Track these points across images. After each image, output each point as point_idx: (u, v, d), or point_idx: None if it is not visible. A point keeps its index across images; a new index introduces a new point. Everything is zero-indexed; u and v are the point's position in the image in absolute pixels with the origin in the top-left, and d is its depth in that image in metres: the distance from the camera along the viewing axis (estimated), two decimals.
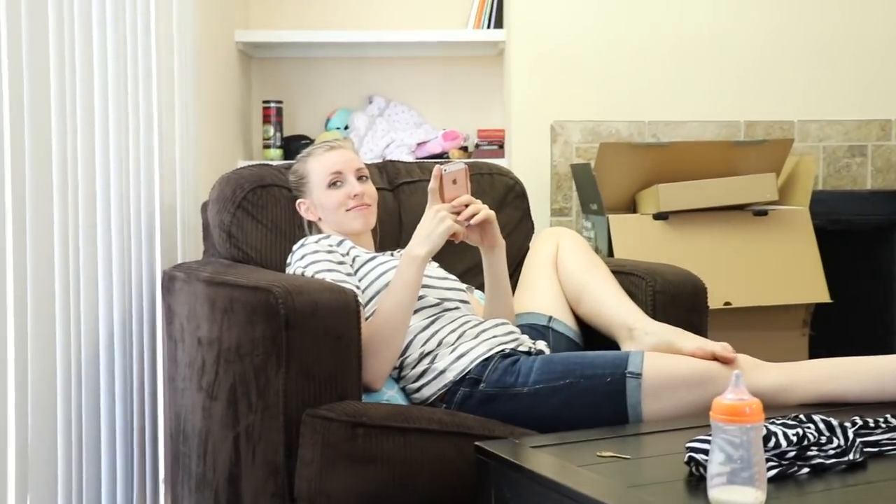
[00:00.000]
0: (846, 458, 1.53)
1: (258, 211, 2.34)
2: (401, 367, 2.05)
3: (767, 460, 1.46)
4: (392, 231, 2.50)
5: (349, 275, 2.09)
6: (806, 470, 1.49)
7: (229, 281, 2.04)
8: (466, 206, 2.03)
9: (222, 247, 2.36)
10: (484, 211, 2.05)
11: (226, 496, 2.04)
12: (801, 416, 1.61)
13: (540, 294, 2.25)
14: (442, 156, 3.56)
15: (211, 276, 2.14)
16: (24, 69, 1.74)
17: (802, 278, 3.06)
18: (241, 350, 1.94)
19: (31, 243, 1.77)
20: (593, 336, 2.24)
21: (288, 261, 2.18)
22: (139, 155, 2.33)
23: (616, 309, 2.14)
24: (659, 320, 2.14)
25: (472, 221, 2.03)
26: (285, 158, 3.55)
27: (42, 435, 1.81)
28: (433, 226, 1.99)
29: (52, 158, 1.85)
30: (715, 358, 1.92)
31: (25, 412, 1.75)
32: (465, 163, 2.10)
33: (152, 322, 2.43)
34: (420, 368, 2.03)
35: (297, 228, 2.35)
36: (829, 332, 3.23)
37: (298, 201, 2.31)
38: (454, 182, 2.04)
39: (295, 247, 2.17)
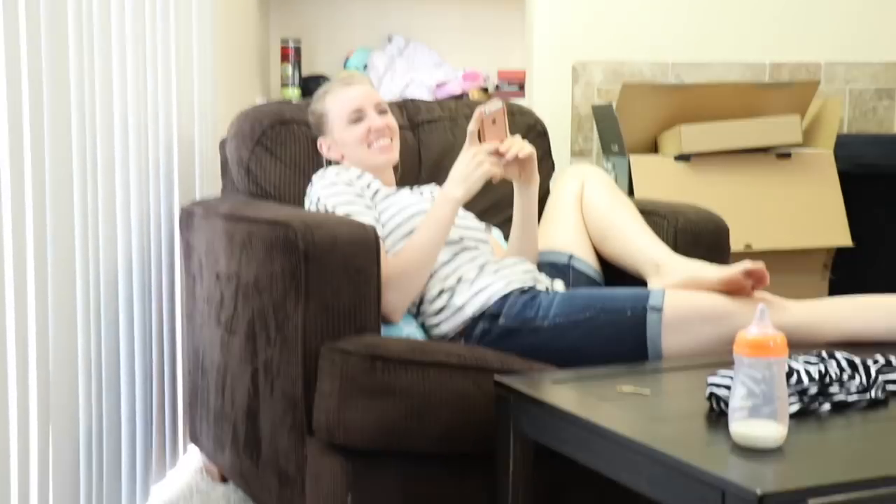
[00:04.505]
0: (868, 396, 1.51)
1: (277, 147, 2.32)
2: (420, 303, 2.05)
3: (789, 396, 1.45)
4: (412, 169, 2.48)
5: (369, 208, 2.08)
6: (827, 406, 1.48)
7: (248, 216, 2.03)
8: (509, 146, 2.01)
9: (241, 183, 2.35)
10: (529, 146, 2.03)
11: (244, 429, 2.05)
12: (824, 353, 1.60)
13: (562, 232, 2.23)
14: (461, 97, 3.52)
15: (229, 211, 2.13)
16: (41, 4, 1.72)
17: (824, 222, 3.03)
18: (260, 285, 1.94)
19: (50, 180, 1.76)
20: (614, 276, 2.22)
21: (306, 191, 2.17)
22: (157, 92, 2.31)
23: (644, 246, 2.12)
24: None
25: (520, 155, 2.02)
26: (304, 98, 3.52)
27: (63, 369, 1.82)
28: (471, 168, 1.98)
29: (70, 95, 1.83)
30: (747, 273, 1.89)
31: (46, 347, 1.75)
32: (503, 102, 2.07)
33: (171, 258, 2.43)
34: (439, 304, 2.02)
35: (317, 166, 2.33)
36: (849, 277, 3.20)
37: (319, 140, 2.28)
38: (493, 122, 2.02)
39: (314, 177, 2.16)
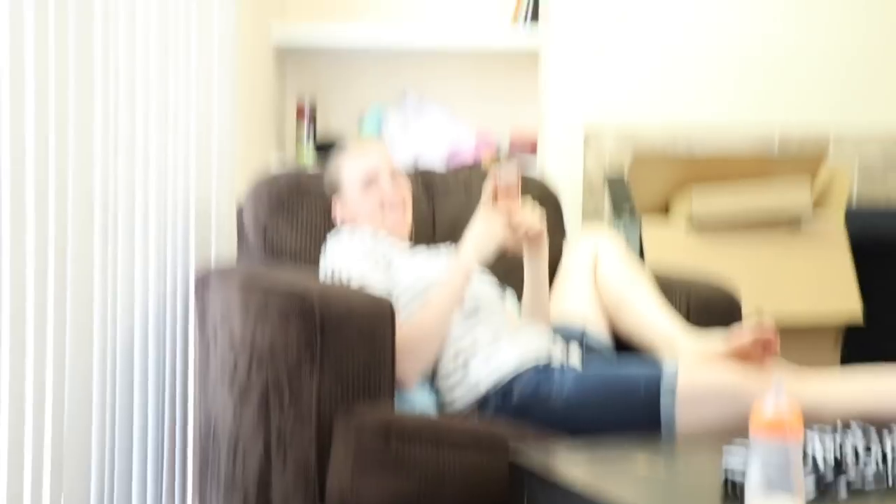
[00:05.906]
0: (884, 484, 1.50)
1: (293, 215, 2.34)
2: (433, 376, 2.05)
3: (805, 478, 1.45)
4: (426, 231, 2.49)
5: (384, 277, 2.09)
6: (844, 494, 1.47)
7: (264, 283, 2.04)
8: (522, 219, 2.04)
9: (257, 249, 2.36)
10: (539, 224, 2.07)
11: (255, 500, 2.04)
12: (839, 427, 1.59)
13: (575, 304, 2.23)
14: (474, 165, 3.53)
15: (245, 278, 2.14)
16: (70, 65, 1.75)
17: (836, 294, 3.02)
18: (274, 352, 1.94)
19: (72, 242, 1.78)
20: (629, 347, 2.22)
21: (322, 249, 2.20)
22: (176, 155, 2.33)
23: (659, 325, 2.14)
24: None
25: (529, 233, 2.04)
26: (318, 154, 3.51)
27: (77, 433, 1.82)
28: (487, 237, 2.00)
29: (92, 159, 1.86)
30: (755, 343, 1.91)
31: (62, 410, 1.76)
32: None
33: (185, 324, 2.43)
34: (454, 378, 2.02)
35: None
36: (861, 350, 3.18)
37: (334, 204, 2.31)
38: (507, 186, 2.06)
39: (329, 237, 2.18)
